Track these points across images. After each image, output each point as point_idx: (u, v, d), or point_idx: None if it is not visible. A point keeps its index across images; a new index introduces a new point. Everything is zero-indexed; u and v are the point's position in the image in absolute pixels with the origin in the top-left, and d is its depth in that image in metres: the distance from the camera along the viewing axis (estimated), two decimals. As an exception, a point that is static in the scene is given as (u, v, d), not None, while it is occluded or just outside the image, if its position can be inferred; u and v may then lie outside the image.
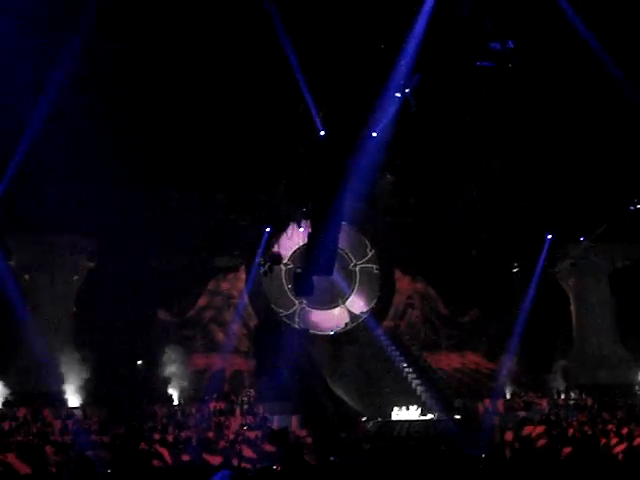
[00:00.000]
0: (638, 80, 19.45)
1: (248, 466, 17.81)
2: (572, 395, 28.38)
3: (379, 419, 26.16)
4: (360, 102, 20.13)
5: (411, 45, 18.21)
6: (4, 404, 24.70)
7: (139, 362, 27.59)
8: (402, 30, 17.80)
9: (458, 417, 26.25)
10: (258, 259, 28.44)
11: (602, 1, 18.00)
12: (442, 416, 26.40)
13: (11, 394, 25.02)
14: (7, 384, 25.22)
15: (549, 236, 29.01)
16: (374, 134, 21.26)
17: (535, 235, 28.67)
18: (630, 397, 27.70)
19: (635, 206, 25.25)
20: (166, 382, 27.01)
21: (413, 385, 28.65)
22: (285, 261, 29.68)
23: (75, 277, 27.53)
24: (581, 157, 24.34)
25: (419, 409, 26.66)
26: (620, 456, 16.83)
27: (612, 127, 22.76)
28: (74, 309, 27.32)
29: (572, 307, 31.11)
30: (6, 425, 22.51)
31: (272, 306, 30.24)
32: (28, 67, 18.82)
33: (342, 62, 19.11)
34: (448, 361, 30.64)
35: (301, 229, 27.99)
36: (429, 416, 26.54)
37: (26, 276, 26.98)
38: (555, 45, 19.66)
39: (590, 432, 21.47)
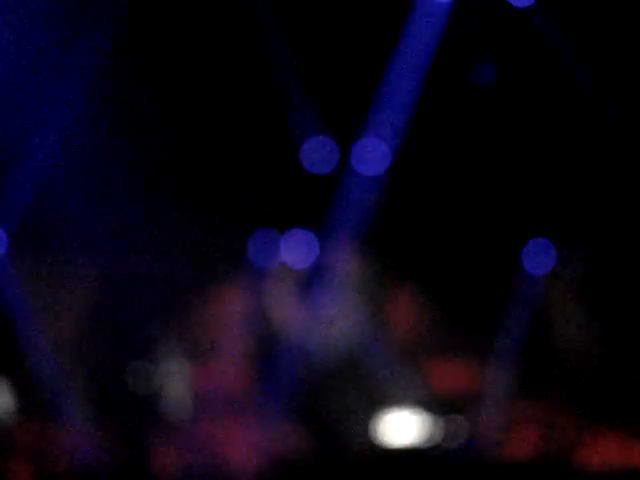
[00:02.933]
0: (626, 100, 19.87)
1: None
2: (573, 404, 28.59)
3: (377, 430, 26.35)
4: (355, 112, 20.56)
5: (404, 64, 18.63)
6: (6, 417, 24.95)
7: (140, 377, 27.80)
8: (391, 52, 18.19)
9: (456, 428, 26.46)
10: (260, 272, 28.69)
11: (595, 24, 18.40)
12: (441, 427, 26.60)
13: (13, 407, 25.29)
14: (9, 397, 25.49)
15: (548, 245, 29.29)
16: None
17: (533, 244, 28.94)
18: (632, 406, 27.91)
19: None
20: (166, 398, 27.17)
21: (412, 396, 28.80)
22: (288, 274, 29.94)
23: (80, 289, 27.80)
24: (580, 168, 24.62)
25: (418, 420, 26.84)
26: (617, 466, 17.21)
27: (610, 142, 23.11)
28: (78, 322, 27.60)
29: (572, 317, 31.31)
30: (7, 438, 22.78)
31: (274, 320, 30.43)
32: (42, 84, 19.30)
33: (336, 77, 19.53)
34: (447, 372, 30.78)
35: (304, 242, 28.29)
36: (428, 427, 26.73)
37: (31, 288, 27.30)
38: (541, 65, 20.08)
39: (589, 441, 21.80)
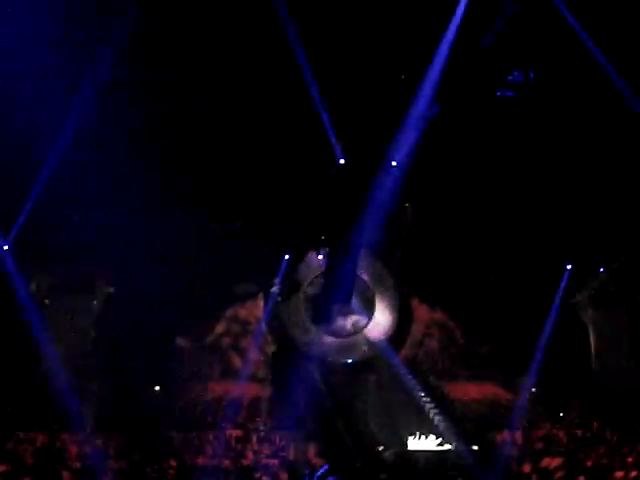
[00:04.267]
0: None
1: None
2: (591, 427, 28.16)
3: (396, 448, 26.00)
4: (380, 131, 20.22)
5: (432, 74, 18.35)
6: (21, 428, 24.74)
7: (157, 388, 27.61)
8: (424, 60, 17.93)
9: (475, 448, 26.06)
10: (276, 287, 28.49)
11: (625, 34, 18.08)
12: (459, 446, 26.22)
13: (28, 418, 25.07)
14: (24, 408, 25.29)
15: (569, 266, 28.99)
16: (394, 163, 21.33)
17: (554, 265, 28.61)
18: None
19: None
20: (183, 409, 27.04)
21: (430, 415, 28.45)
22: (303, 289, 29.69)
23: (94, 302, 27.66)
24: (601, 187, 24.31)
25: (436, 439, 26.49)
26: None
27: (634, 159, 22.76)
28: (93, 334, 27.43)
29: (591, 338, 30.96)
30: (23, 449, 22.54)
31: (290, 334, 30.20)
32: (48, 92, 19.07)
33: (363, 90, 19.23)
34: (466, 391, 30.41)
35: (320, 257, 28.05)
36: (446, 446, 26.36)
37: (46, 301, 27.15)
38: (575, 75, 19.74)
39: (608, 464, 21.32)
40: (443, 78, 18.97)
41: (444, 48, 18.33)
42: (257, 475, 20.81)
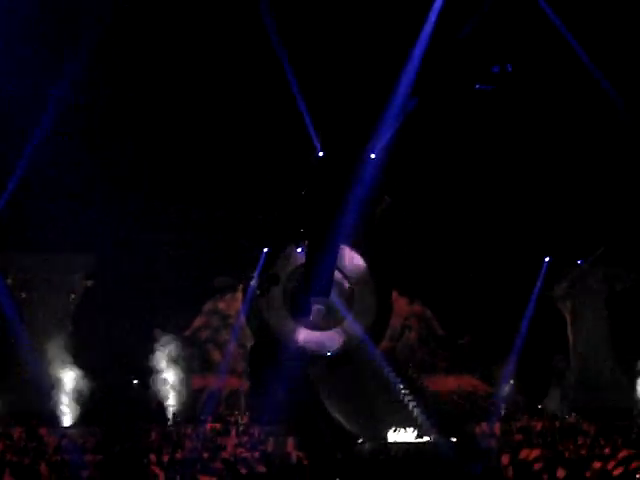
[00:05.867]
0: (635, 101, 19.60)
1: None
2: (569, 418, 28.33)
3: (375, 441, 26.04)
4: (359, 123, 20.21)
5: (411, 67, 18.35)
6: (-2, 423, 24.66)
7: (135, 381, 27.53)
8: (402, 52, 17.92)
9: (454, 440, 26.14)
10: (255, 280, 28.46)
11: (600, 24, 18.14)
12: (438, 439, 26.29)
13: (5, 413, 24.95)
14: (2, 403, 25.17)
15: (547, 259, 29.12)
16: (372, 155, 21.33)
17: (533, 257, 28.73)
18: (627, 421, 27.62)
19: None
20: (162, 402, 26.97)
21: (409, 407, 28.53)
22: (282, 282, 29.66)
23: (72, 295, 27.53)
24: (579, 179, 24.41)
25: (415, 431, 26.55)
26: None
27: (611, 150, 22.85)
28: (71, 328, 27.30)
29: (569, 330, 31.11)
30: (0, 444, 22.42)
31: (269, 327, 30.19)
32: (29, 83, 18.96)
33: (342, 83, 19.21)
34: (445, 383, 30.52)
35: (299, 250, 28.03)
36: (425, 438, 26.44)
37: (22, 294, 26.99)
38: (553, 68, 19.79)
39: (586, 456, 21.43)
40: (421, 71, 18.99)
41: (422, 41, 18.36)
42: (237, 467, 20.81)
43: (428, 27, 17.80)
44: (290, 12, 18.29)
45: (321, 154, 22.02)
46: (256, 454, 22.70)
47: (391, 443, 26.59)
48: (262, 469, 19.85)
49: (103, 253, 25.96)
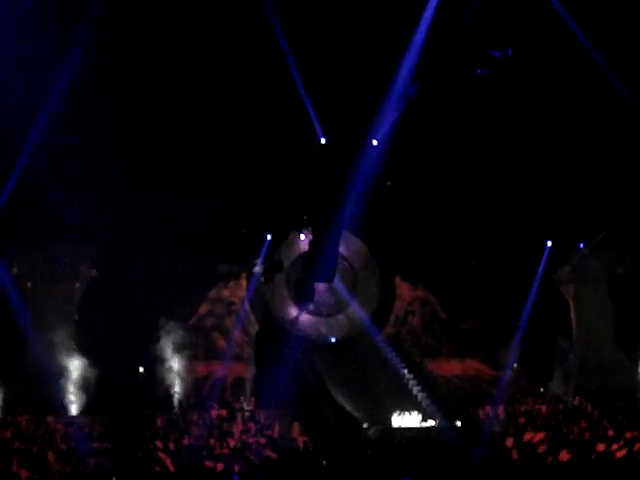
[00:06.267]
0: (636, 85, 19.60)
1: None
2: (573, 401, 28.39)
3: (380, 426, 26.12)
4: (361, 110, 20.24)
5: (412, 53, 18.37)
6: (6, 411, 24.73)
7: (141, 369, 27.64)
8: (403, 38, 17.93)
9: (459, 424, 26.23)
10: (259, 267, 28.51)
11: (602, 10, 18.14)
12: (443, 423, 26.38)
13: (13, 401, 25.06)
14: (9, 391, 25.28)
15: (549, 243, 29.16)
16: (375, 142, 21.36)
17: (535, 242, 28.77)
18: (631, 403, 27.70)
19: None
20: (168, 389, 27.08)
21: (414, 392, 28.61)
22: (286, 268, 29.70)
23: (77, 285, 27.59)
24: (581, 163, 24.43)
25: (420, 416, 26.64)
26: (620, 462, 16.92)
27: (611, 134, 22.86)
28: (76, 316, 27.38)
29: (572, 314, 31.17)
30: (8, 432, 22.52)
31: (273, 313, 30.26)
32: (29, 77, 18.98)
33: (343, 70, 19.23)
34: (449, 367, 30.61)
35: (302, 237, 28.09)
36: (430, 422, 26.53)
37: (28, 284, 27.04)
38: (554, 52, 19.78)
39: (590, 438, 21.52)
40: (423, 56, 19.00)
41: (423, 26, 18.36)
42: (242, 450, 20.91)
43: (429, 12, 17.85)
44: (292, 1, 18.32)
45: (323, 141, 22.06)
46: (262, 440, 22.85)
47: (396, 428, 26.70)
48: (270, 454, 19.98)
49: (107, 242, 26.03)
